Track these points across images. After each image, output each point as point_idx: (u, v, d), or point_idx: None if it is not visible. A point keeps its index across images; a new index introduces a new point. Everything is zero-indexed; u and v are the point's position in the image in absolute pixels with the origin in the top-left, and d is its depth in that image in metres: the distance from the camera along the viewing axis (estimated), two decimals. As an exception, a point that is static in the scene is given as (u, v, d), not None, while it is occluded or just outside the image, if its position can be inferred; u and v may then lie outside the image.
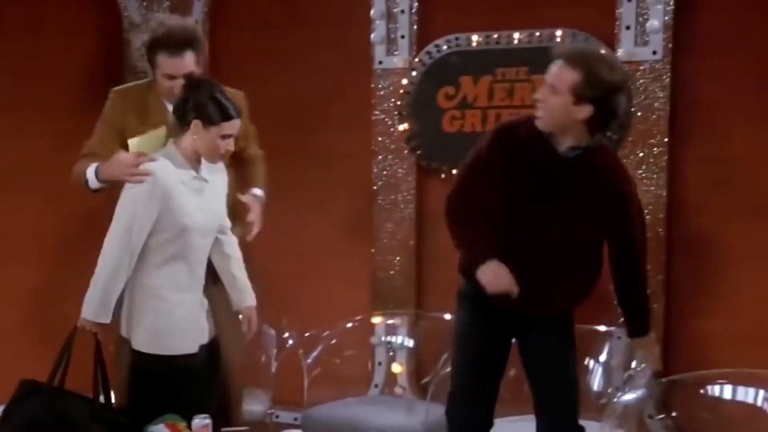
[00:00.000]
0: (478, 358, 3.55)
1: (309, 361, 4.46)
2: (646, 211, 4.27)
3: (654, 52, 4.29)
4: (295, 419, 4.69)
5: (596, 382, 4.31)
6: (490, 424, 3.57)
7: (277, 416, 4.73)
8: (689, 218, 4.37)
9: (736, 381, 3.63)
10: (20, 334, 4.97)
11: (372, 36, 4.82)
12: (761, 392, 3.60)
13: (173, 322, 3.53)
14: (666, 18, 4.27)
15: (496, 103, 4.56)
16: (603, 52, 3.39)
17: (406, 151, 4.83)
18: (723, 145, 4.30)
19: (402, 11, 4.76)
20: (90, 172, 3.68)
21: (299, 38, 5.03)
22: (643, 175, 4.34)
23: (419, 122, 4.78)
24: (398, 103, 4.81)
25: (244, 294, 3.77)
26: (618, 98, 3.29)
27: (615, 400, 3.89)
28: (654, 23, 4.26)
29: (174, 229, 3.48)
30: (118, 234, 3.47)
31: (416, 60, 4.76)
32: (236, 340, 3.78)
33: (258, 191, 3.88)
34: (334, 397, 4.52)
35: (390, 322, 4.81)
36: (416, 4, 4.76)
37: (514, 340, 3.57)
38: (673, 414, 3.86)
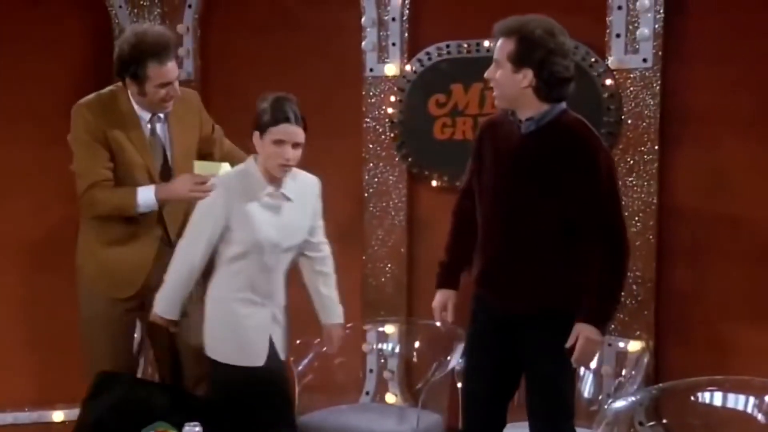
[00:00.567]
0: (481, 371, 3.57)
1: (300, 368, 4.45)
2: (636, 218, 4.31)
3: (644, 60, 4.30)
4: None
5: (587, 389, 4.32)
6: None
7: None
8: (680, 225, 4.38)
9: (726, 388, 3.62)
10: (7, 339, 4.95)
11: (363, 43, 4.82)
12: (751, 399, 3.59)
13: (241, 333, 3.64)
14: (656, 26, 4.28)
15: (486, 110, 4.55)
16: (544, 18, 3.30)
17: (397, 159, 4.83)
18: (713, 152, 4.31)
19: (393, 19, 4.77)
20: (142, 197, 3.72)
21: (290, 46, 5.03)
22: (634, 182, 4.35)
23: (410, 130, 4.79)
24: (389, 110, 4.81)
25: (329, 311, 3.92)
26: (555, 59, 3.28)
27: (606, 407, 3.89)
28: (644, 31, 4.27)
29: (245, 243, 3.61)
30: (186, 241, 3.68)
31: (407, 67, 4.77)
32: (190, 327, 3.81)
33: None
34: (326, 404, 4.52)
35: (381, 329, 4.82)
36: (407, 11, 4.77)
37: None
38: (664, 421, 3.85)
